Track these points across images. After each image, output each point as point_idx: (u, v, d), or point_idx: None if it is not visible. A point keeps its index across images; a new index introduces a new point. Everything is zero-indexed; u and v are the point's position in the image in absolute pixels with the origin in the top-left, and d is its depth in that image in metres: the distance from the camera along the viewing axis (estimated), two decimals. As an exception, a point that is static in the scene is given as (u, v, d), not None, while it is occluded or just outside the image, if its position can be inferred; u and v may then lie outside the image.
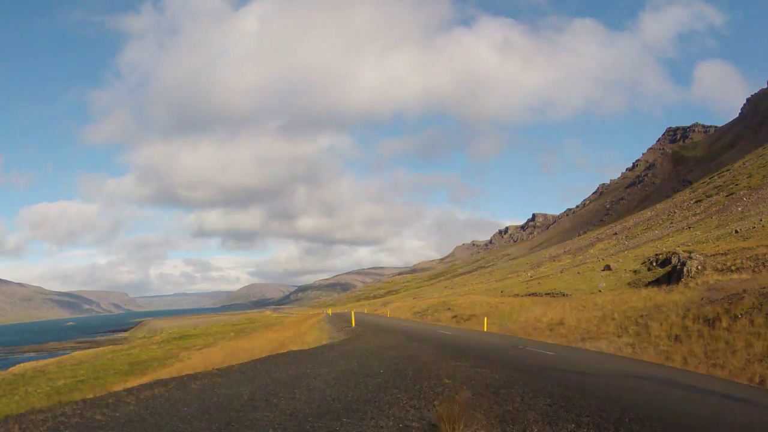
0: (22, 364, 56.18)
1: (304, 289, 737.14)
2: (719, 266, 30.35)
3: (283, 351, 19.78)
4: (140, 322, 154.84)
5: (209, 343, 66.86)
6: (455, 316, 41.21)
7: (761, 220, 47.78)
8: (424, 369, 12.83)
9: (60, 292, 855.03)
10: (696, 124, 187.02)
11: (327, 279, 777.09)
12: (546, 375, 12.18)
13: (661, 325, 20.70)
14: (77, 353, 68.41)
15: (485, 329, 30.62)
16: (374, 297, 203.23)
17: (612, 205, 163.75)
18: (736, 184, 76.99)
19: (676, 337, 18.92)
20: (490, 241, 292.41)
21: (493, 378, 11.50)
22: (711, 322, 18.85)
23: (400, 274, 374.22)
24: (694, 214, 75.73)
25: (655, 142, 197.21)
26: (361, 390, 10.30)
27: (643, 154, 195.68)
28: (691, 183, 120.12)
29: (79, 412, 8.89)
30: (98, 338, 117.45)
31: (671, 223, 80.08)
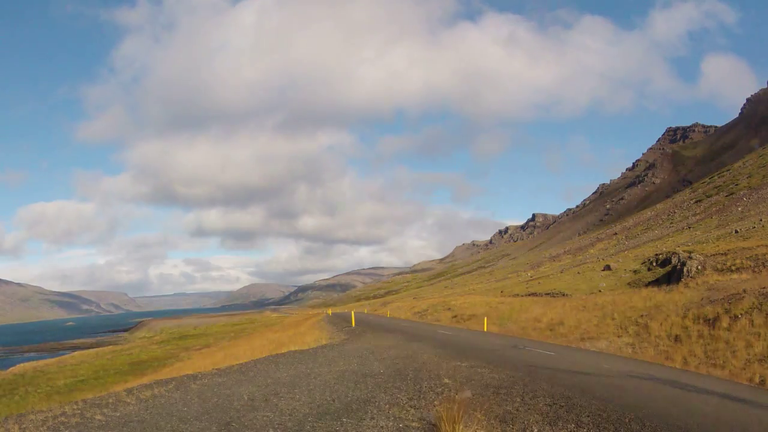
0: (22, 364, 56.22)
1: (304, 289, 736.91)
2: (719, 266, 30.33)
3: (282, 351, 19.76)
4: (140, 322, 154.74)
5: (209, 343, 66.92)
6: (455, 316, 41.20)
7: (761, 220, 47.77)
8: (424, 369, 12.82)
9: (59, 292, 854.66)
10: (696, 124, 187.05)
11: (327, 279, 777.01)
12: (546, 375, 12.17)
13: (661, 325, 20.70)
14: (77, 353, 68.47)
15: (485, 329, 30.61)
16: (374, 297, 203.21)
17: (612, 205, 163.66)
18: (736, 184, 76.96)
19: (676, 337, 18.93)
20: (490, 241, 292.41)
21: (493, 378, 11.50)
22: (711, 322, 18.86)
23: (400, 274, 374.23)
24: (694, 214, 75.72)
25: (655, 142, 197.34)
26: (361, 390, 10.29)
27: (643, 154, 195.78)
28: (691, 183, 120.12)
29: (79, 412, 8.89)
30: (98, 338, 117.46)
31: (671, 223, 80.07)
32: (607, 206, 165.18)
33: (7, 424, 8.16)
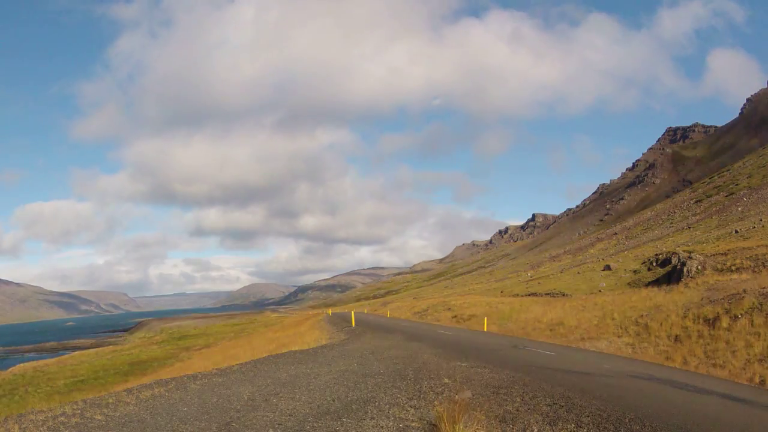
0: (22, 364, 56.27)
1: (304, 289, 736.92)
2: (719, 266, 30.34)
3: (283, 351, 19.77)
4: (140, 322, 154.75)
5: (209, 343, 66.96)
6: (455, 316, 41.20)
7: (761, 220, 47.78)
8: (423, 369, 12.82)
9: (59, 293, 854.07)
10: (696, 124, 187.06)
11: (327, 279, 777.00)
12: (546, 375, 12.17)
13: (661, 325, 20.71)
14: (77, 353, 68.51)
15: (485, 329, 30.62)
16: (374, 297, 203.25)
17: (612, 205, 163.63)
18: (736, 184, 76.97)
19: (676, 337, 18.94)
20: (490, 241, 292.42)
21: (493, 378, 11.50)
22: (711, 322, 18.87)
23: (400, 274, 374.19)
24: (694, 214, 75.73)
25: (655, 142, 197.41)
26: (361, 390, 10.29)
27: (643, 154, 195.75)
28: (691, 183, 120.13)
29: (79, 412, 8.88)
30: (98, 338, 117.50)
31: (671, 223, 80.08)
32: (607, 206, 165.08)
33: (7, 424, 8.16)
